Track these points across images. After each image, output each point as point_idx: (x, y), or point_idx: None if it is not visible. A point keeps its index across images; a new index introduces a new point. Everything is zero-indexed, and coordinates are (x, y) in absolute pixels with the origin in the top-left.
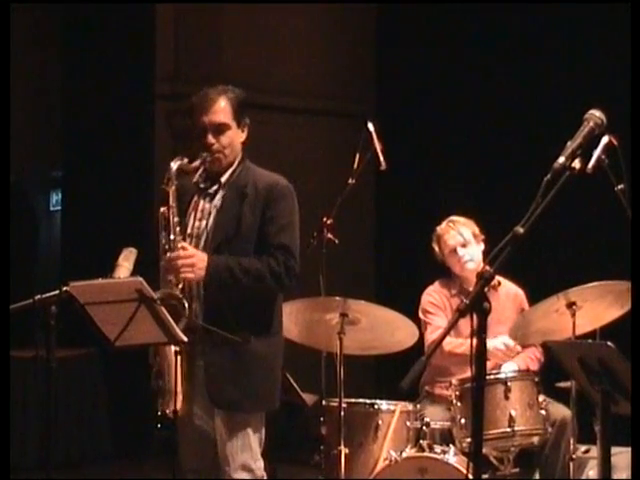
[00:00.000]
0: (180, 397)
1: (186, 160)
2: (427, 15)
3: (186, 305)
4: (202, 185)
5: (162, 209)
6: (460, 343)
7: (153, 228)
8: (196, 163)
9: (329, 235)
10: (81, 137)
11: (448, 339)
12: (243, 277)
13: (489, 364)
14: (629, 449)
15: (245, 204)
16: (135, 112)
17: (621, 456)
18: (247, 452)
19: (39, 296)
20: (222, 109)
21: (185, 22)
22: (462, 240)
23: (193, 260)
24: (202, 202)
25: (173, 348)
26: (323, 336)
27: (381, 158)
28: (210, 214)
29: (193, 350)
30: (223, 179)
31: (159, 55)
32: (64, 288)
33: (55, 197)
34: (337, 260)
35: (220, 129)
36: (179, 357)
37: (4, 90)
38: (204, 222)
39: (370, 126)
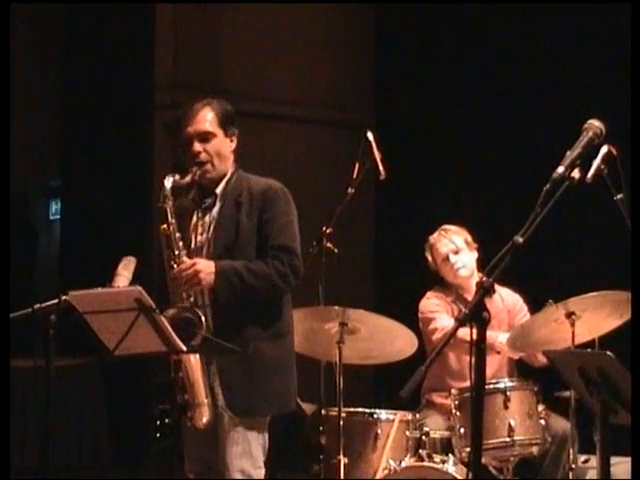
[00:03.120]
0: (207, 409)
1: (178, 176)
2: (427, 25)
3: (202, 318)
4: (198, 200)
5: (162, 227)
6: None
7: (153, 238)
8: (187, 178)
9: (328, 244)
10: (80, 146)
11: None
12: (251, 279)
13: (494, 367)
14: (628, 459)
15: (241, 211)
16: (134, 121)
17: (620, 466)
18: (247, 458)
19: (38, 305)
20: (206, 118)
21: (184, 31)
22: (454, 247)
23: (197, 268)
24: (201, 217)
25: (192, 359)
26: (322, 345)
27: (380, 168)
28: (210, 226)
29: (205, 358)
30: (218, 191)
31: (158, 64)
32: (63, 297)
33: (54, 206)
34: (336, 269)
35: (205, 137)
36: (200, 368)
37: (4, 100)
38: (205, 235)
39: (370, 136)
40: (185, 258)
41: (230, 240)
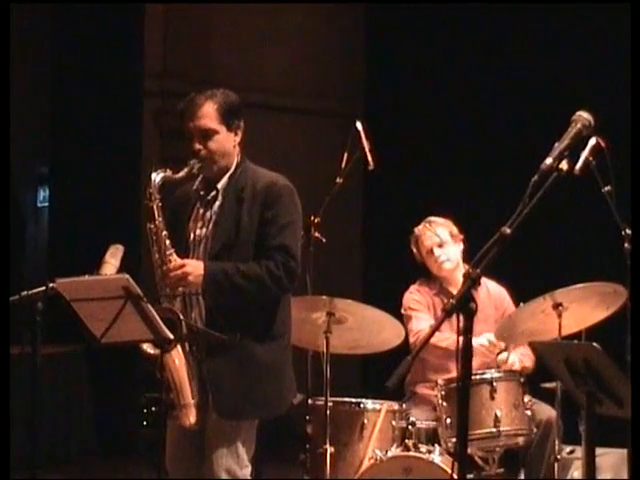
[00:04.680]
0: (194, 410)
1: (170, 171)
2: (416, 15)
3: (181, 318)
4: (202, 192)
5: (149, 225)
6: (445, 337)
7: (141, 226)
8: (182, 173)
9: (316, 234)
10: (69, 133)
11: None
12: (241, 281)
13: (474, 363)
14: (614, 450)
15: (243, 207)
16: (123, 108)
17: (606, 457)
18: (232, 458)
19: (25, 292)
20: (208, 114)
21: (174, 19)
22: (439, 240)
23: (185, 270)
24: (202, 210)
25: (176, 360)
26: (310, 335)
27: (369, 158)
28: (210, 221)
29: (195, 359)
30: (220, 185)
31: (148, 52)
32: (50, 284)
33: (42, 193)
34: (324, 259)
35: (207, 134)
36: (186, 369)
37: (4, 95)
38: (204, 230)
39: (359, 125)
40: (174, 256)
41: (229, 237)
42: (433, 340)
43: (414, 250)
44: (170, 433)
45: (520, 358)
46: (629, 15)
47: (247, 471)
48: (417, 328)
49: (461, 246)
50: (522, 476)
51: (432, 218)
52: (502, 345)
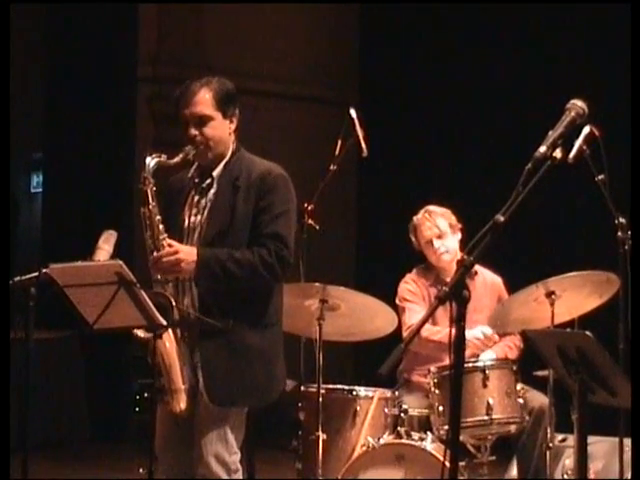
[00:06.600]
0: (185, 395)
1: (164, 156)
2: (410, 3)
3: (174, 304)
4: (197, 180)
5: (143, 210)
6: (437, 330)
7: (134, 212)
8: (177, 158)
9: (310, 221)
10: (62, 118)
11: (426, 326)
12: (234, 268)
13: (467, 353)
14: (606, 439)
15: (238, 196)
16: (117, 94)
17: (598, 445)
18: (222, 443)
19: (18, 278)
20: (203, 100)
21: (168, 5)
22: (438, 232)
23: (179, 256)
24: (197, 197)
25: (167, 344)
26: (302, 322)
27: (363, 145)
28: (205, 209)
29: (187, 345)
30: (215, 173)
31: (142, 37)
32: (43, 270)
33: (36, 179)
34: (317, 246)
35: (202, 121)
36: (177, 354)
37: (3, 90)
38: (199, 217)
39: (353, 113)
40: (168, 241)
41: (224, 225)
42: (425, 334)
43: (412, 239)
44: (160, 419)
45: (504, 350)
46: (625, 5)
47: (236, 457)
48: (410, 321)
49: (459, 236)
50: (514, 464)
51: (431, 208)
52: (496, 338)
